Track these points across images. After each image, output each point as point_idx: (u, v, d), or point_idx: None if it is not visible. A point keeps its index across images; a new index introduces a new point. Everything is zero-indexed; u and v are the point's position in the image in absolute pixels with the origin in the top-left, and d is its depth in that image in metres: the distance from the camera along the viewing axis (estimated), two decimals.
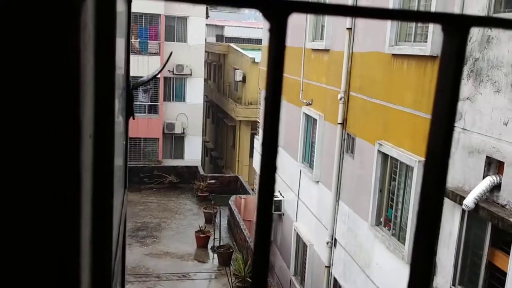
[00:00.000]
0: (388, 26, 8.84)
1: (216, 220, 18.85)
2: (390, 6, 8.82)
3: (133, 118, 1.98)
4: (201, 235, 18.21)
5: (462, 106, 6.93)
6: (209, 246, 18.25)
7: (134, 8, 25.25)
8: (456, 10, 7.01)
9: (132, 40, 25.83)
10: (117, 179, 1.56)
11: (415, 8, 8.35)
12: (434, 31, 7.52)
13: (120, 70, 1.67)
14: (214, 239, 18.06)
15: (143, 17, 26.06)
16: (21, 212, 0.56)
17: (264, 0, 0.39)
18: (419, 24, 8.29)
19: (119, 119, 1.68)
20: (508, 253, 6.12)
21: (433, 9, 7.57)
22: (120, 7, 1.54)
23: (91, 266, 0.80)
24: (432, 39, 7.55)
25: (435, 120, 0.47)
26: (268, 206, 0.43)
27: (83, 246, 0.66)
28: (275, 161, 0.43)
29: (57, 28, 0.51)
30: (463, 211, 6.75)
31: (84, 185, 0.65)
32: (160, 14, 26.15)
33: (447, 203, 7.16)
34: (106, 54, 0.82)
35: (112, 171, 0.93)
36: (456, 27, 0.45)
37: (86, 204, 0.74)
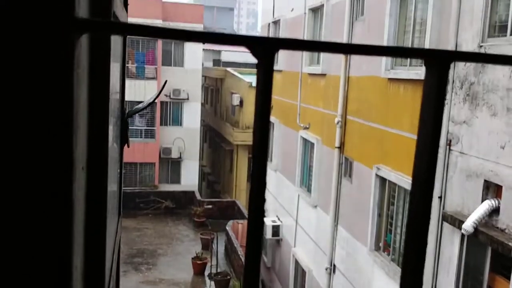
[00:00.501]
0: None
1: (213, 246, 18.65)
2: (386, 32, 8.90)
3: (128, 146, 1.96)
4: (198, 262, 17.99)
5: (459, 129, 6.93)
6: (206, 273, 18.01)
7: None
8: (451, 34, 7.07)
9: (129, 65, 26.01)
10: (111, 206, 1.52)
11: (411, 32, 8.43)
12: None
13: (115, 99, 1.65)
14: (211, 265, 17.84)
15: (140, 41, 26.29)
16: (12, 240, 0.57)
17: (252, 38, 0.41)
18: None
19: (113, 146, 1.65)
20: (509, 278, 6.03)
21: (427, 33, 7.64)
22: (115, 38, 1.54)
23: None
24: None
25: (419, 150, 0.49)
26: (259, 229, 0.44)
27: (75, 275, 0.65)
28: (264, 195, 0.42)
29: (51, 65, 0.52)
30: (463, 235, 6.69)
31: (77, 217, 0.66)
32: (157, 39, 26.38)
33: (446, 227, 7.10)
34: (101, 88, 0.84)
35: (105, 202, 0.92)
36: (438, 62, 0.47)
37: (78, 235, 0.74)
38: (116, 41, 1.53)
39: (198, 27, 27.55)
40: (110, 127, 1.49)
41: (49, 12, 0.50)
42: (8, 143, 0.53)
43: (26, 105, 0.52)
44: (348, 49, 0.46)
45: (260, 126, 0.39)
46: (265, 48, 0.39)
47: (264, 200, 0.44)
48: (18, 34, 0.50)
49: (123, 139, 1.89)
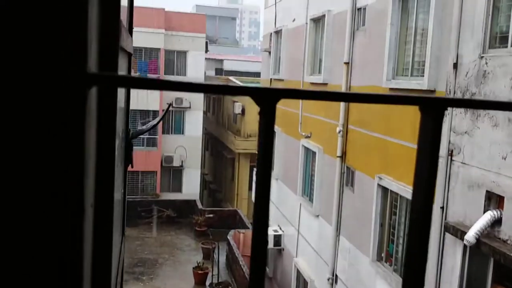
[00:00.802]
0: (386, 60, 8.93)
1: (215, 255, 18.60)
2: (387, 42, 8.92)
3: (132, 167, 1.96)
4: (199, 272, 17.93)
5: (460, 140, 6.92)
6: (207, 283, 17.94)
7: (134, 42, 25.58)
8: (452, 44, 7.09)
9: (132, 74, 26.07)
10: (115, 229, 1.53)
11: (412, 42, 8.45)
12: (431, 66, 7.59)
13: (120, 121, 1.66)
14: (212, 275, 17.77)
15: (143, 51, 26.40)
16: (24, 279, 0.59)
17: (255, 89, 0.43)
18: (416, 59, 8.38)
19: (118, 168, 1.66)
20: None
21: (429, 43, 7.65)
22: (121, 63, 1.56)
23: None
24: (429, 74, 7.61)
25: (415, 195, 0.50)
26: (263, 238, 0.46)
27: None
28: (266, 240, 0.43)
29: (64, 116, 0.55)
30: (465, 246, 6.66)
31: (86, 255, 0.68)
32: (159, 48, 26.49)
33: (449, 238, 7.07)
34: (107, 133, 0.87)
35: (111, 238, 0.94)
36: (433, 108, 0.48)
37: (87, 269, 0.76)
38: (122, 61, 1.55)
39: (201, 36, 27.67)
40: (116, 153, 1.50)
41: (63, 68, 0.54)
42: (22, 186, 0.56)
43: (41, 154, 0.56)
44: (346, 97, 0.48)
45: (262, 175, 0.41)
46: (266, 98, 0.42)
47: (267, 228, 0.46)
48: (34, 88, 0.54)
49: (127, 160, 1.90)
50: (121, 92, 1.61)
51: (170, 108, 27.10)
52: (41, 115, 0.55)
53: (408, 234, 0.52)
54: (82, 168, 0.58)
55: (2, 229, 0.57)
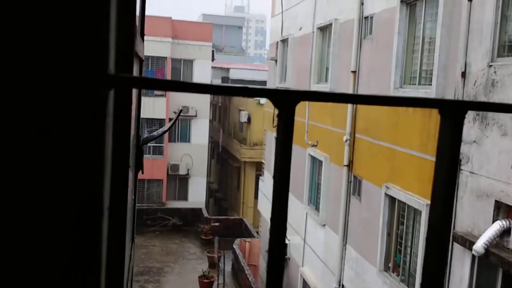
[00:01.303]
0: (393, 69, 8.91)
1: (220, 264, 18.52)
2: (394, 51, 8.90)
3: (142, 173, 1.96)
4: (205, 281, 17.85)
5: (469, 149, 6.87)
6: None
7: None
8: (460, 53, 7.06)
9: None
10: (127, 236, 1.52)
11: (419, 51, 8.43)
12: (439, 74, 7.56)
13: (131, 127, 1.67)
14: (218, 284, 17.69)
15: (150, 59, 26.54)
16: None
17: (274, 91, 0.42)
18: (424, 68, 8.35)
19: (130, 174, 1.66)
20: None
21: (436, 52, 7.62)
22: (134, 70, 1.58)
23: None
24: (437, 82, 7.57)
25: (435, 201, 0.49)
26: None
27: None
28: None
29: (86, 117, 0.57)
30: (473, 256, 6.59)
31: (102, 258, 0.69)
32: (166, 57, 26.63)
33: (457, 248, 7.00)
34: (122, 136, 0.88)
35: (124, 242, 0.95)
36: (453, 111, 0.47)
37: (102, 272, 0.76)
38: (134, 67, 1.55)
39: (207, 45, 27.80)
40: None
41: (86, 70, 0.56)
42: (44, 187, 0.58)
43: (63, 155, 0.58)
44: (364, 99, 0.46)
45: (281, 179, 0.40)
46: (286, 100, 0.42)
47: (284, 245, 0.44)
48: (59, 89, 0.56)
49: (138, 166, 1.90)
50: (133, 103, 1.62)
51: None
52: (64, 116, 0.57)
53: (426, 243, 0.51)
54: (102, 170, 0.59)
55: (20, 231, 0.58)
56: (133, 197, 1.92)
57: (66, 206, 0.58)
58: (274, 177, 0.41)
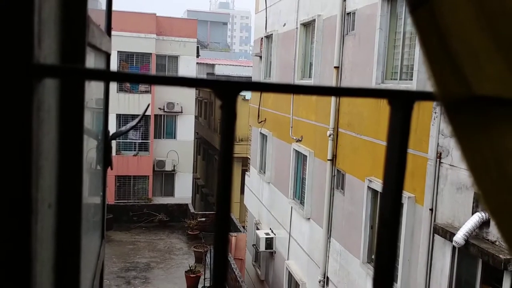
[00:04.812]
0: (375, 64, 9.02)
1: (207, 259, 18.57)
2: (376, 46, 9.02)
3: (111, 169, 1.99)
4: (191, 275, 17.89)
5: (448, 142, 7.01)
6: (200, 286, 17.91)
7: (126, 47, 25.61)
8: None
9: None
10: (91, 231, 1.53)
11: (401, 46, 8.55)
12: (419, 69, 7.68)
13: (98, 122, 1.69)
14: (204, 279, 17.75)
15: (134, 56, 26.37)
16: None
17: (216, 82, 0.42)
18: (405, 63, 8.48)
19: (96, 170, 1.68)
20: None
21: (417, 47, 7.74)
22: (98, 63, 1.57)
23: None
24: (418, 77, 7.70)
25: (385, 192, 0.48)
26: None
27: None
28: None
29: (8, 109, 0.53)
30: (454, 247, 6.74)
31: (41, 255, 0.65)
32: (151, 53, 26.48)
33: (438, 239, 7.15)
34: (72, 129, 0.84)
35: (79, 238, 0.93)
36: (401, 102, 0.48)
37: (45, 276, 0.73)
38: (98, 61, 1.57)
39: (192, 41, 27.69)
40: (93, 151, 1.52)
41: (5, 59, 0.52)
42: None
43: None
44: (311, 90, 0.48)
45: (224, 166, 0.43)
46: (227, 91, 0.42)
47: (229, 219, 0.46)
48: None
49: (106, 162, 1.92)
50: (98, 92, 1.64)
51: (162, 113, 27.08)
52: None
53: (378, 229, 0.51)
54: (29, 165, 0.56)
55: None
56: (102, 193, 1.94)
57: None
58: (218, 164, 0.45)
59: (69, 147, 0.82)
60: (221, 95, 0.42)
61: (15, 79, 0.52)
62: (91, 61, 1.32)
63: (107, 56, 1.87)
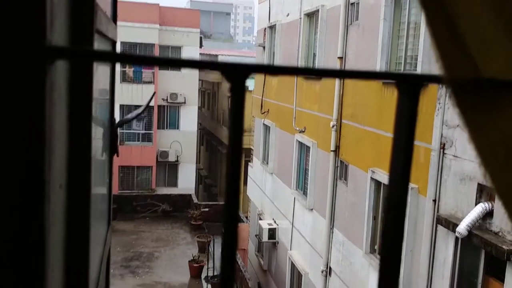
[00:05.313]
0: (379, 55, 8.98)
1: (210, 249, 18.66)
2: (380, 37, 8.97)
3: (117, 156, 1.99)
4: (195, 265, 17.99)
5: (452, 133, 6.99)
6: (203, 275, 18.01)
7: (129, 38, 25.53)
8: None
9: (127, 69, 26.01)
10: (99, 216, 1.55)
11: (405, 36, 8.50)
12: (423, 60, 7.64)
13: (103, 110, 1.69)
14: (208, 268, 17.84)
15: (138, 46, 26.31)
16: None
17: (225, 64, 0.42)
18: (409, 53, 8.43)
19: (102, 158, 1.69)
20: (503, 281, 6.09)
21: (421, 37, 7.69)
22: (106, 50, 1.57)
23: None
24: (422, 68, 7.66)
25: (392, 178, 0.48)
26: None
27: None
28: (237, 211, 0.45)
29: (22, 91, 0.54)
30: (457, 238, 6.74)
31: (53, 234, 0.65)
32: (154, 44, 26.42)
33: (441, 230, 7.15)
34: (81, 111, 0.84)
35: (88, 218, 0.93)
36: (409, 85, 0.47)
37: (56, 254, 0.74)
38: (104, 48, 1.57)
39: (195, 31, 27.60)
40: (99, 139, 1.52)
41: (19, 42, 0.53)
42: None
43: None
44: (319, 73, 0.48)
45: (233, 148, 0.43)
46: (235, 73, 0.42)
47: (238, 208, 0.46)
48: None
49: (113, 150, 1.92)
50: (104, 82, 1.64)
51: (165, 103, 27.07)
52: None
53: (385, 216, 0.50)
54: (43, 145, 0.56)
55: None
56: (108, 180, 1.95)
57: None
58: (227, 149, 0.45)
59: (78, 129, 0.82)
60: (231, 77, 0.42)
61: (29, 60, 0.53)
62: (98, 47, 1.32)
63: (113, 43, 1.87)
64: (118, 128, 2.12)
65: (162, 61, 0.41)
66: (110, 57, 0.40)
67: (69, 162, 0.80)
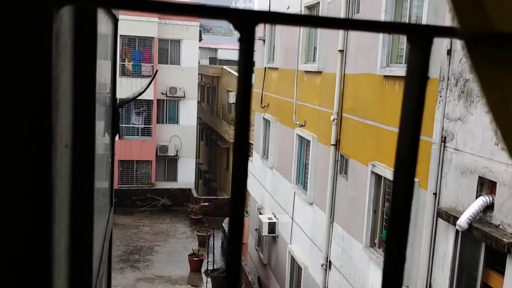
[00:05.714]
0: (380, 48, 8.94)
1: (210, 243, 18.68)
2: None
3: (119, 137, 1.98)
4: (195, 259, 18.02)
5: (453, 126, 6.97)
6: (203, 269, 18.04)
7: (128, 31, 25.47)
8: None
9: (126, 63, 25.94)
10: (101, 193, 1.53)
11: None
12: None
13: (106, 89, 1.67)
14: (207, 262, 17.87)
15: (137, 40, 26.24)
16: None
17: (233, 11, 0.40)
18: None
19: (105, 137, 1.67)
20: (503, 274, 6.08)
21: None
22: (106, 28, 1.55)
23: (68, 277, 0.79)
24: None
25: (403, 130, 0.48)
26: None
27: (58, 257, 0.64)
28: (246, 178, 0.43)
29: (27, 37, 0.52)
30: (457, 231, 6.74)
31: (59, 193, 0.64)
32: (153, 37, 26.34)
33: (441, 223, 7.15)
34: (86, 66, 0.82)
35: (92, 179, 0.92)
36: (420, 38, 0.45)
37: (63, 213, 0.71)
38: (107, 26, 1.55)
39: (195, 25, 27.53)
40: (101, 116, 1.50)
41: None
42: None
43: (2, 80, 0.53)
44: (331, 22, 0.45)
45: (242, 103, 0.41)
46: (244, 21, 0.40)
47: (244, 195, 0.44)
48: None
49: (115, 129, 1.91)
50: (106, 64, 1.62)
51: (165, 98, 27.02)
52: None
53: (392, 194, 0.49)
54: (49, 94, 0.55)
55: None
56: (110, 160, 1.93)
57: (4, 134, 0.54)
58: (236, 102, 0.43)
59: (83, 85, 0.80)
60: (240, 26, 0.40)
61: (36, 5, 0.52)
62: (103, 23, 1.30)
63: (115, 22, 1.85)
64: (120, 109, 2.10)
65: (167, 7, 0.40)
66: (117, 2, 0.38)
67: (74, 122, 0.79)
